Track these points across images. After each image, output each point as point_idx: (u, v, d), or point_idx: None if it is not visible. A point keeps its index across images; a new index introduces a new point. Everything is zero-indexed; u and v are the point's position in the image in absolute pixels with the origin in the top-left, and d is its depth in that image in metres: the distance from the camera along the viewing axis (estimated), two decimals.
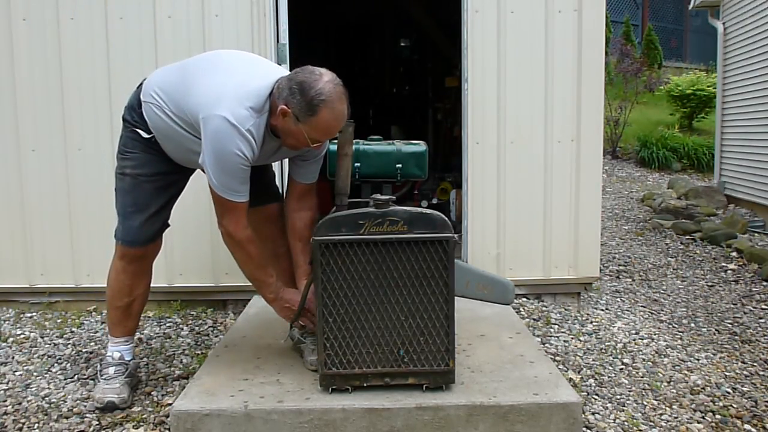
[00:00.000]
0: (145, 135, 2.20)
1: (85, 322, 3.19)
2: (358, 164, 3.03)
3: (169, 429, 2.09)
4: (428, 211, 2.04)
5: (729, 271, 4.46)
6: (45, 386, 2.49)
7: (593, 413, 2.29)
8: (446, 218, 2.03)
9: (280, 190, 2.61)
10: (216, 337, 2.99)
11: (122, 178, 2.26)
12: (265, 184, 2.42)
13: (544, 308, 3.33)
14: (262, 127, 2.04)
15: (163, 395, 2.39)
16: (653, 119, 10.39)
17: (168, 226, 2.39)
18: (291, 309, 2.27)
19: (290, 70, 3.14)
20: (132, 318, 2.38)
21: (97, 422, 2.19)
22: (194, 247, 3.25)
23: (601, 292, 3.82)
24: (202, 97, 2.02)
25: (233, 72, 2.09)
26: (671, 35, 15.27)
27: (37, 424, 2.20)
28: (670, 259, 4.82)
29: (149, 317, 3.22)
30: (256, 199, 2.42)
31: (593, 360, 2.76)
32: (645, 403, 2.40)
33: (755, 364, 2.86)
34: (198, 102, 2.02)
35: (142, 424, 2.18)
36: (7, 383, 2.52)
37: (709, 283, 4.21)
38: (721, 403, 2.43)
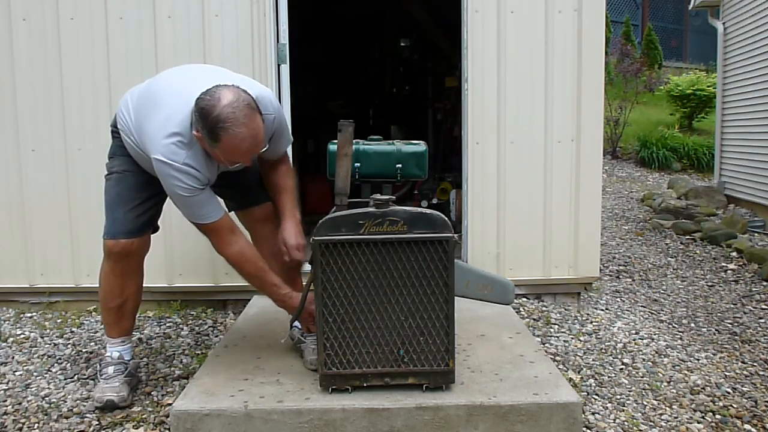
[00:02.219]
0: (128, 150, 2.26)
1: (85, 322, 3.19)
2: (358, 164, 3.03)
3: (169, 429, 2.09)
4: (428, 211, 2.04)
5: (729, 271, 4.46)
6: (45, 386, 2.49)
7: (593, 413, 2.29)
8: (446, 218, 2.03)
9: None
10: (216, 337, 2.99)
11: (109, 177, 2.31)
12: (246, 186, 2.42)
13: (544, 308, 3.33)
14: (200, 153, 2.05)
15: (163, 395, 2.39)
16: (653, 119, 10.39)
17: (157, 229, 2.39)
18: (309, 315, 2.29)
19: (290, 71, 3.21)
20: (126, 318, 2.38)
21: (97, 422, 2.19)
22: (194, 247, 3.25)
23: (601, 292, 3.82)
24: (146, 138, 2.09)
25: (163, 105, 2.08)
26: (671, 35, 15.27)
27: (37, 424, 2.20)
28: (670, 259, 4.82)
29: (149, 317, 3.22)
30: (243, 203, 2.46)
31: (593, 360, 2.76)
32: (645, 403, 2.40)
33: (755, 364, 2.86)
34: (145, 143, 2.09)
35: (142, 424, 2.18)
36: (7, 383, 2.52)
37: (709, 283, 4.21)
38: (721, 403, 2.43)
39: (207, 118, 1.92)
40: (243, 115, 1.93)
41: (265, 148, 2.10)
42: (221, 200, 2.48)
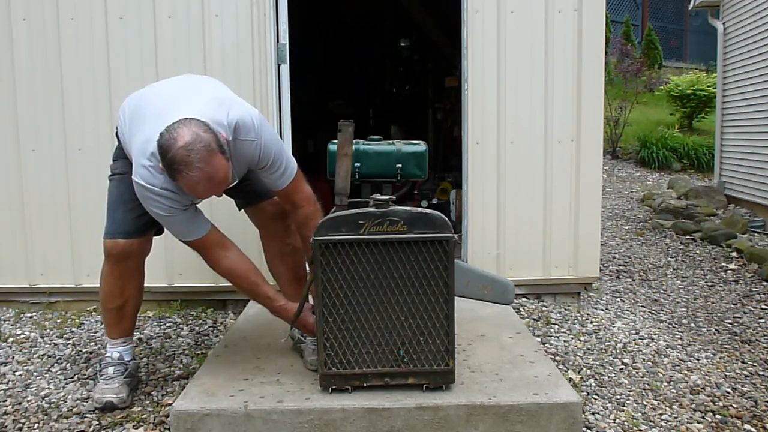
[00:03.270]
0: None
1: (85, 322, 3.19)
2: (358, 164, 3.03)
3: (169, 429, 2.09)
4: (428, 211, 2.04)
5: (729, 271, 4.46)
6: (45, 386, 2.49)
7: (593, 413, 2.29)
8: (446, 218, 2.03)
9: None
10: (216, 337, 2.99)
11: (112, 178, 2.32)
12: (243, 182, 2.37)
13: (544, 308, 3.33)
14: None
15: (163, 395, 2.39)
16: (653, 119, 10.39)
17: (161, 231, 2.37)
18: (303, 327, 2.29)
19: (290, 71, 3.21)
20: (126, 319, 2.37)
21: (97, 422, 2.19)
22: None
23: (601, 292, 3.82)
24: (132, 154, 2.09)
25: (146, 125, 2.05)
26: (671, 35, 15.26)
27: (37, 424, 2.20)
28: (670, 259, 4.82)
29: (149, 317, 3.22)
30: (251, 198, 2.44)
31: (593, 360, 2.76)
32: (645, 403, 2.40)
33: (755, 364, 2.86)
34: (131, 156, 2.11)
35: (142, 424, 2.18)
36: (7, 383, 2.52)
37: (709, 283, 4.21)
38: (721, 403, 2.43)
39: (164, 157, 1.91)
40: (198, 158, 1.87)
41: (235, 182, 2.07)
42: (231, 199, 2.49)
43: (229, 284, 3.21)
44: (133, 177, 2.03)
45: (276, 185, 2.23)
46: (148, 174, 2.00)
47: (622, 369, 2.69)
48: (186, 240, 2.16)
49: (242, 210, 2.49)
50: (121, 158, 2.29)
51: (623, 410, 2.33)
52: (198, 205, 2.20)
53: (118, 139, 2.31)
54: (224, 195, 2.45)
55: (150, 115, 2.08)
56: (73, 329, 3.09)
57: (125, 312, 2.36)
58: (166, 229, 2.26)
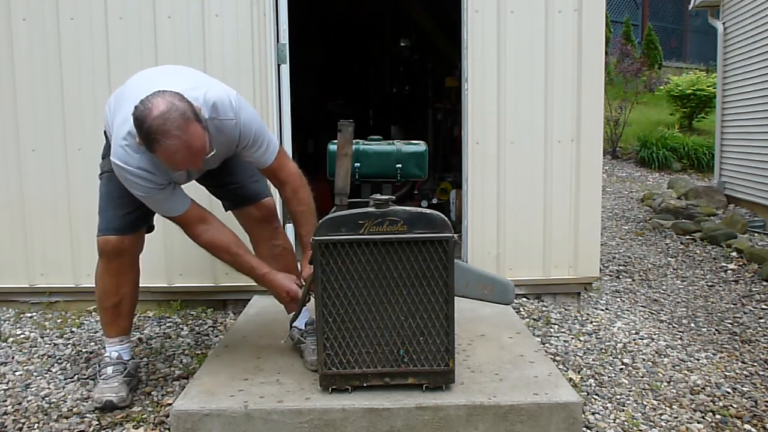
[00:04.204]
0: None
1: (85, 322, 3.19)
2: (358, 164, 3.03)
3: (169, 429, 2.09)
4: (428, 211, 2.04)
5: (729, 271, 4.46)
6: (45, 386, 2.49)
7: (593, 413, 2.29)
8: (446, 218, 2.03)
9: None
10: (216, 337, 2.99)
11: (101, 176, 2.34)
12: (238, 184, 2.40)
13: (544, 308, 3.33)
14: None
15: (163, 395, 2.39)
16: (653, 119, 10.39)
17: (152, 228, 2.40)
18: (280, 295, 2.27)
19: (290, 71, 3.21)
20: (123, 317, 2.38)
21: (97, 422, 2.19)
22: (194, 247, 3.22)
23: (601, 292, 3.82)
24: (112, 137, 2.10)
25: (125, 106, 2.05)
26: (671, 35, 15.27)
27: (37, 424, 2.20)
28: (670, 259, 4.82)
29: (149, 317, 3.22)
30: (237, 201, 2.44)
31: (593, 360, 2.76)
32: (645, 403, 2.40)
33: (755, 364, 2.86)
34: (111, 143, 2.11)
35: (142, 424, 2.18)
36: (7, 383, 2.52)
37: (709, 283, 4.21)
38: (721, 403, 2.43)
39: (141, 129, 1.90)
40: (175, 126, 1.86)
41: (212, 153, 2.01)
42: (218, 199, 2.49)
43: (229, 284, 3.26)
44: (110, 157, 2.04)
45: (260, 163, 2.24)
46: (124, 153, 2.01)
47: (622, 369, 2.69)
48: (167, 215, 2.19)
49: (228, 212, 2.49)
50: (109, 155, 2.28)
51: (623, 410, 2.33)
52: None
53: (106, 137, 2.32)
54: (211, 195, 2.46)
55: (128, 98, 2.08)
56: (73, 329, 3.09)
57: (121, 310, 2.36)
58: (159, 221, 2.27)
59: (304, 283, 2.26)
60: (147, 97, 1.91)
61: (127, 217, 2.26)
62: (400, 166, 3.11)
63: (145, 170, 2.02)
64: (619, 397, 2.44)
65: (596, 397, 2.42)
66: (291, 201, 2.30)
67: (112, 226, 2.26)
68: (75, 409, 2.29)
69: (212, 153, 2.01)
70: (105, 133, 2.34)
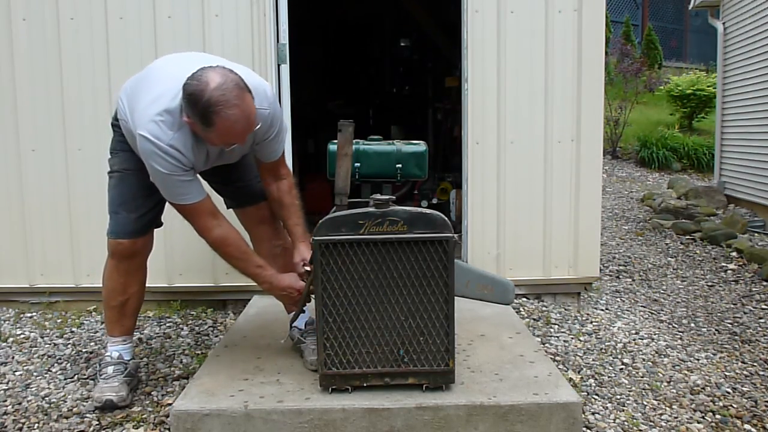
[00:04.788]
0: (128, 141, 2.23)
1: (85, 322, 3.19)
2: (358, 164, 3.03)
3: (169, 429, 2.09)
4: (428, 211, 2.04)
5: (729, 271, 4.46)
6: (45, 386, 2.49)
7: (593, 413, 2.29)
8: (446, 218, 2.03)
9: None
10: (216, 337, 2.99)
11: (111, 176, 2.30)
12: (244, 183, 2.41)
13: (544, 308, 3.33)
14: (189, 136, 2.02)
15: (163, 395, 2.39)
16: (653, 119, 10.39)
17: (160, 224, 2.38)
18: (290, 296, 2.28)
19: (290, 71, 3.21)
20: (128, 317, 2.38)
21: (97, 422, 2.19)
22: (194, 247, 3.24)
23: (601, 292, 3.82)
24: (135, 116, 2.06)
25: (157, 85, 2.06)
26: (671, 35, 15.27)
27: (37, 424, 2.20)
28: (670, 259, 4.82)
29: (149, 317, 3.22)
30: (240, 200, 2.45)
31: (593, 360, 2.76)
32: (645, 403, 2.40)
33: (755, 364, 2.86)
34: (134, 120, 2.06)
35: (142, 424, 2.18)
36: (7, 383, 2.52)
37: (709, 283, 4.21)
38: (721, 403, 2.43)
39: (197, 104, 1.89)
40: (234, 96, 1.89)
41: (256, 127, 2.03)
42: (220, 197, 2.49)
43: (229, 284, 3.26)
44: (138, 132, 1.99)
45: (271, 156, 2.26)
46: (158, 128, 1.98)
47: (622, 369, 2.69)
48: (180, 202, 2.12)
49: (230, 209, 2.50)
50: (119, 151, 2.27)
51: (623, 410, 2.33)
52: None
53: (115, 129, 2.28)
54: (214, 192, 2.46)
55: (161, 76, 2.08)
56: (73, 329, 3.09)
57: (127, 310, 2.36)
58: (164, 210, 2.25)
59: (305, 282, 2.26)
60: (197, 73, 1.91)
61: (140, 221, 2.26)
62: (400, 166, 3.11)
63: (176, 149, 1.99)
64: (619, 397, 2.44)
65: (596, 397, 2.42)
66: (287, 194, 2.33)
67: (126, 230, 2.25)
68: (75, 409, 2.29)
69: (258, 127, 2.03)
70: (113, 125, 2.30)
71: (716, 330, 3.32)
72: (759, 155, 6.46)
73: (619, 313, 3.43)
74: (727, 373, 2.73)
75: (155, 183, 2.10)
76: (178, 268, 3.27)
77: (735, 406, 2.42)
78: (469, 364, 2.28)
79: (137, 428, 2.15)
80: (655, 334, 3.14)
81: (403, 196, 4.44)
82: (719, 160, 7.55)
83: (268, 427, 1.96)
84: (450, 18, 3.77)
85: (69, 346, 2.89)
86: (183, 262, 3.26)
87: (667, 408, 2.37)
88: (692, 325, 3.38)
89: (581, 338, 3.00)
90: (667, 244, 5.28)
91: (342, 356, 2.04)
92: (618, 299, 3.73)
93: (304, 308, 2.37)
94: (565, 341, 2.94)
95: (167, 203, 2.36)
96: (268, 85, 2.18)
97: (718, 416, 2.33)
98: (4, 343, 2.93)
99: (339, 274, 2.01)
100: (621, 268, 4.51)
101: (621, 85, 9.60)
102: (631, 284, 4.12)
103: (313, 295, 2.13)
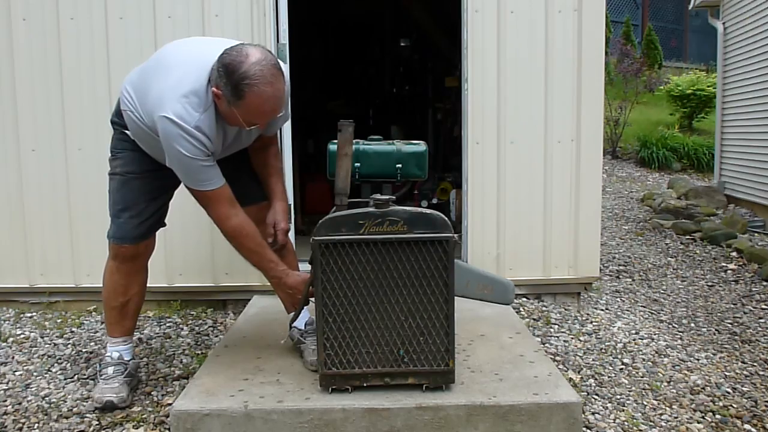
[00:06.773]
0: (131, 135, 2.20)
1: (85, 322, 3.19)
2: (358, 164, 3.03)
3: (169, 429, 2.09)
4: (428, 211, 2.04)
5: (729, 271, 4.46)
6: (45, 386, 2.49)
7: (593, 413, 2.29)
8: (446, 218, 2.03)
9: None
10: (216, 337, 2.99)
11: (112, 177, 2.27)
12: (246, 181, 2.38)
13: (544, 308, 3.33)
14: (213, 119, 2.00)
15: (163, 395, 2.39)
16: (653, 119, 10.39)
17: (163, 225, 2.37)
18: (294, 296, 2.27)
19: (290, 71, 3.20)
20: (129, 318, 2.37)
21: (97, 422, 2.19)
22: (194, 247, 3.25)
23: (601, 292, 3.82)
24: (151, 100, 2.02)
25: (176, 68, 2.03)
26: (671, 35, 15.27)
27: (37, 424, 2.20)
28: (670, 259, 4.82)
29: (149, 317, 3.22)
30: (241, 198, 2.41)
31: (593, 360, 2.76)
32: (645, 403, 2.40)
33: (755, 364, 2.86)
34: (151, 105, 2.02)
35: (142, 424, 2.18)
36: (7, 383, 2.52)
37: (709, 283, 4.21)
38: (721, 403, 2.43)
39: (233, 74, 1.88)
40: (270, 74, 1.90)
41: (280, 114, 2.04)
42: None
43: (229, 284, 3.26)
44: (162, 114, 1.95)
45: (271, 132, 2.30)
46: (183, 111, 1.95)
47: (622, 369, 2.69)
48: (201, 188, 2.07)
49: None
50: (120, 151, 2.24)
51: (623, 410, 2.33)
52: (182, 196, 2.21)
53: (116, 127, 2.25)
54: None
55: (178, 60, 2.06)
56: (73, 329, 3.09)
57: (128, 310, 2.36)
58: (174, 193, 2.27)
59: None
60: (237, 46, 1.93)
61: (143, 225, 2.25)
62: (400, 166, 3.11)
63: (201, 131, 1.97)
64: (619, 397, 2.44)
65: (596, 397, 2.42)
66: (273, 157, 2.37)
67: (129, 235, 2.24)
68: (75, 409, 2.29)
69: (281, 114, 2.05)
70: (113, 123, 2.26)
71: (716, 330, 3.32)
72: (759, 155, 6.46)
73: (619, 313, 3.43)
74: (727, 373, 2.73)
75: (173, 168, 2.06)
76: (178, 268, 3.27)
77: (735, 406, 2.42)
78: (469, 364, 2.28)
79: (137, 428, 2.15)
80: (655, 334, 3.14)
81: (403, 196, 4.43)
82: (719, 160, 7.55)
83: (268, 427, 1.96)
84: (450, 18, 3.77)
85: (69, 346, 2.89)
86: (183, 262, 3.26)
87: (667, 408, 2.37)
88: (692, 325, 3.38)
89: (581, 338, 3.00)
90: (667, 244, 5.28)
91: (342, 356, 2.04)
92: (618, 299, 3.73)
93: (305, 308, 2.36)
94: (565, 341, 2.94)
95: (168, 205, 2.37)
96: (286, 67, 2.19)
97: (718, 416, 2.33)
98: (4, 343, 2.93)
99: (339, 274, 2.01)
100: (621, 268, 4.51)
101: (621, 85, 9.61)
102: (631, 284, 4.12)
103: (312, 297, 2.13)
